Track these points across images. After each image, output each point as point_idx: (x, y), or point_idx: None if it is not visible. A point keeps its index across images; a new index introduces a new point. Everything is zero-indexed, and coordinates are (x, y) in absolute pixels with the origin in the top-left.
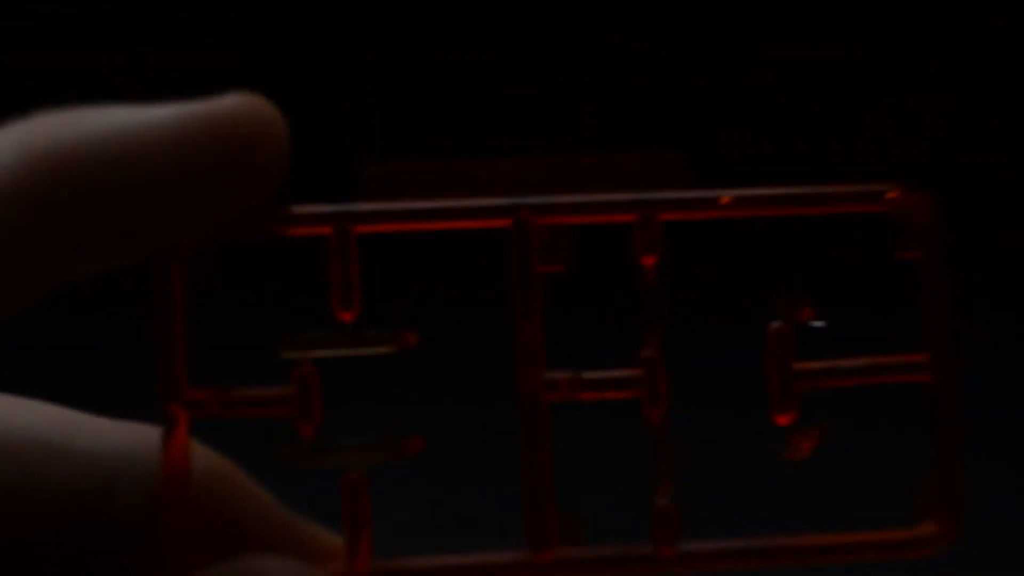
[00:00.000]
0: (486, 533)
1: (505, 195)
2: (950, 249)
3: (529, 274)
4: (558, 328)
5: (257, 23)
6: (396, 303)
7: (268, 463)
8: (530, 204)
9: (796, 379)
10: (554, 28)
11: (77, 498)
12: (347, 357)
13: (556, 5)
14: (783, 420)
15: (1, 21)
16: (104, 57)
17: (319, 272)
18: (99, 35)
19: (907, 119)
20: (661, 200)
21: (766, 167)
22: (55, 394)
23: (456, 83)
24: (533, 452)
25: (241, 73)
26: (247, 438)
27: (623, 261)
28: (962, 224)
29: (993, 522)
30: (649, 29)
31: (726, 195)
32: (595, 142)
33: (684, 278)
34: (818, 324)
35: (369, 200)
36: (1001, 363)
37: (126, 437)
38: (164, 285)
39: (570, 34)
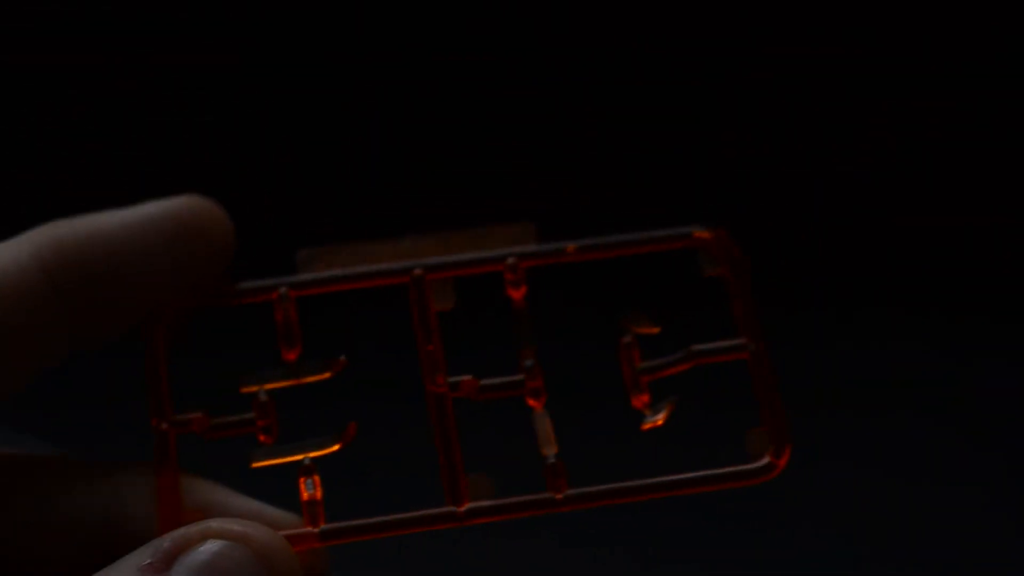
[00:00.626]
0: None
1: (404, 261)
2: (747, 268)
3: (426, 313)
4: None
5: (257, 23)
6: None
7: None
8: (423, 265)
9: (642, 373)
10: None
11: (88, 523)
12: (296, 386)
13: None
14: (638, 403)
15: (1, 21)
16: (104, 57)
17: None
18: (99, 35)
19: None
20: (519, 253)
21: (766, 167)
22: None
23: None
24: (444, 434)
25: (241, 73)
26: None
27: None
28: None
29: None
30: (647, 29)
31: (571, 245)
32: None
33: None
34: (653, 332)
35: (303, 272)
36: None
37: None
38: (150, 344)
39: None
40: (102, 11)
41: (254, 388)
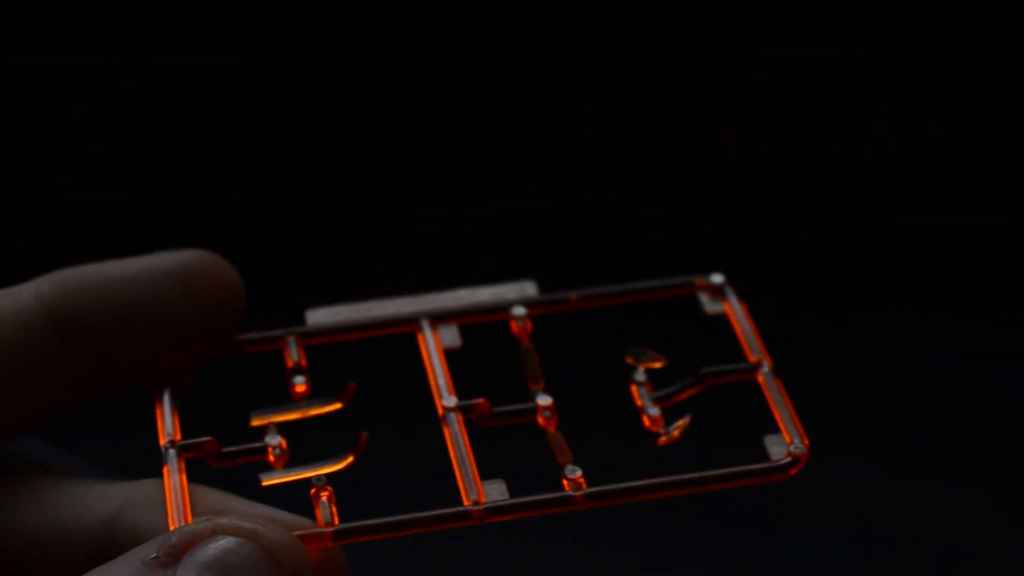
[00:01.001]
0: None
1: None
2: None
3: (434, 352)
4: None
5: (257, 23)
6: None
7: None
8: (429, 313)
9: (655, 401)
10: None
11: (95, 532)
12: (305, 418)
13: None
14: (653, 426)
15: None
16: (104, 57)
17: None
18: (99, 35)
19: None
20: (525, 302)
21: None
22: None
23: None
24: (458, 445)
25: (241, 73)
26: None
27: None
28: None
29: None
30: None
31: (574, 295)
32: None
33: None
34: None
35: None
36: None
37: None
38: (157, 388)
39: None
40: (102, 11)
41: (264, 421)
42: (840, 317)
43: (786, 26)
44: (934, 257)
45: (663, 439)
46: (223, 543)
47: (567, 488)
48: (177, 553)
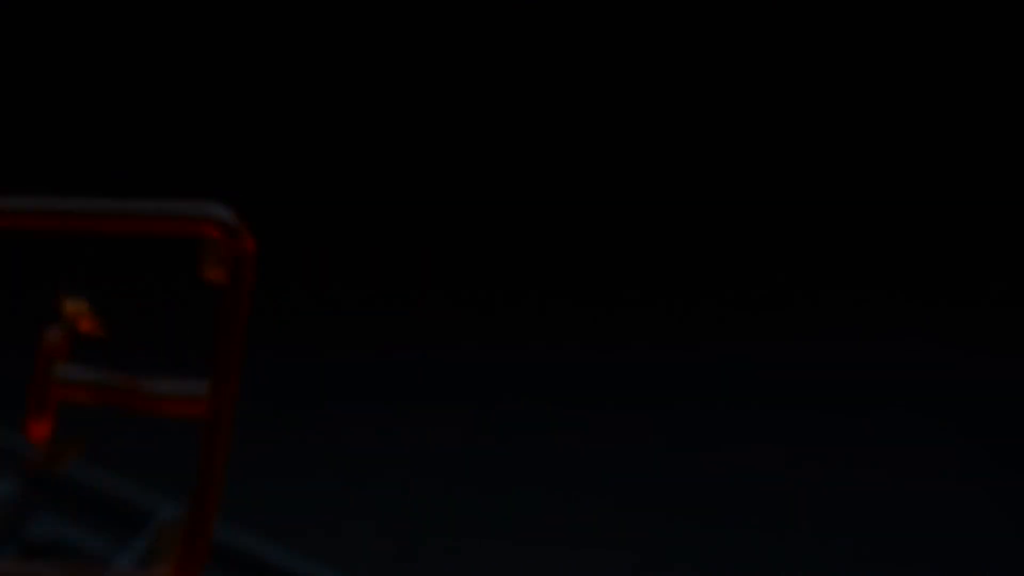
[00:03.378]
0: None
1: None
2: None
3: None
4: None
5: (258, 23)
6: None
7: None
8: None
9: (57, 387)
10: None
11: None
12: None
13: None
14: (39, 432)
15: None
16: (104, 57)
17: None
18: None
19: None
20: None
21: (766, 167)
22: None
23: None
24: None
25: (242, 73)
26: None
27: None
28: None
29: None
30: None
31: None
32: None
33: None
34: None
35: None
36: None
37: None
38: None
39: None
40: (102, 11)
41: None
42: (839, 315)
43: (786, 26)
44: (934, 256)
45: (48, 463)
46: None
47: None
48: None
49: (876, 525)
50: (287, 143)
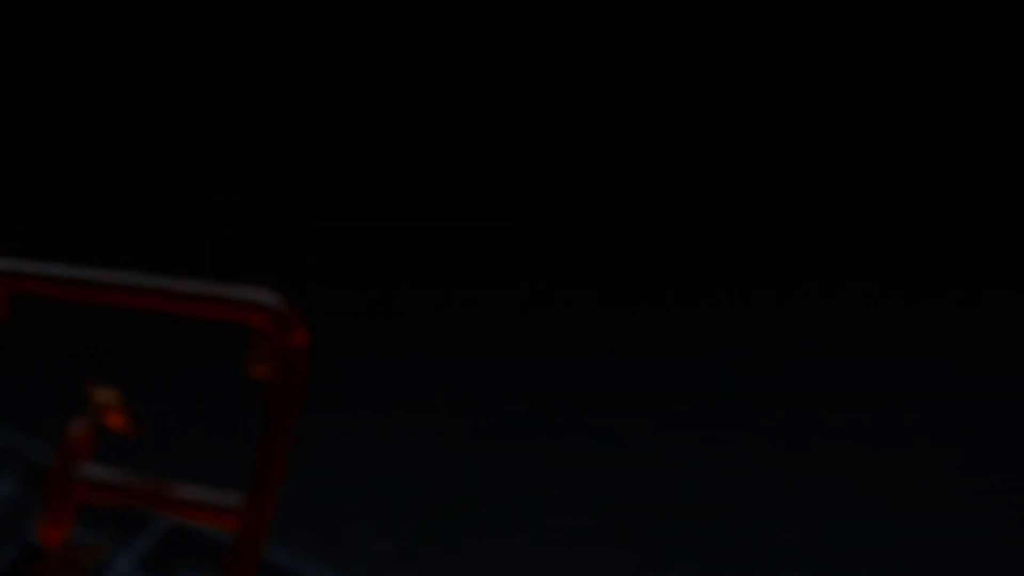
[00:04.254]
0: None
1: None
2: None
3: None
4: None
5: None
6: None
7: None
8: None
9: (79, 487)
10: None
11: None
12: None
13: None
14: (53, 536)
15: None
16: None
17: None
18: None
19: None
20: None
21: (765, 166)
22: None
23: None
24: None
25: (241, 73)
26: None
27: None
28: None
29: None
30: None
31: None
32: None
33: None
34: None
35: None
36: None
37: None
38: None
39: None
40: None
41: None
42: (838, 315)
43: (786, 26)
44: (934, 255)
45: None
46: None
47: None
48: None
49: (876, 524)
50: (287, 143)
